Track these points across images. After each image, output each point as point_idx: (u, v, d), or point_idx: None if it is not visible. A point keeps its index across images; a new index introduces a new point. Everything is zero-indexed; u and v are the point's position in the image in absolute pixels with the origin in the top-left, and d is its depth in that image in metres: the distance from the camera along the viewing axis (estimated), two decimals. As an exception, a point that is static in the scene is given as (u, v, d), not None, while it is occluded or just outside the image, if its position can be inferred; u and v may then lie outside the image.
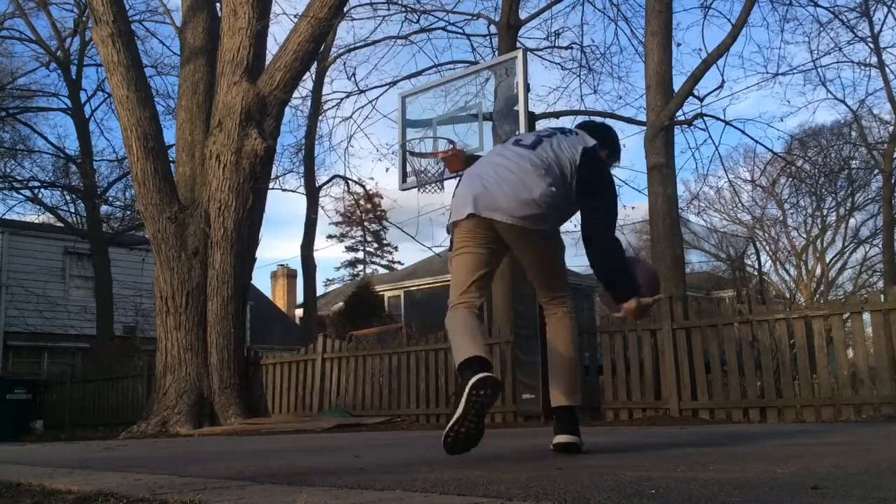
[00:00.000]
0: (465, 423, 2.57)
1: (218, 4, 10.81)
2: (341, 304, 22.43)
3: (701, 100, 10.55)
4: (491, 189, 2.84)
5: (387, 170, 32.94)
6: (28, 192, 19.85)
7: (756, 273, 25.92)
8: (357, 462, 2.94)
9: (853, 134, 21.66)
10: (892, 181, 18.50)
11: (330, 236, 39.51)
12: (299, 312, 27.15)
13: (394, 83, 14.70)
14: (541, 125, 12.44)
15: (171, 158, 10.43)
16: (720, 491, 1.63)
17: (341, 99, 19.74)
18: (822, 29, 13.43)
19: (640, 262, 3.19)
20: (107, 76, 9.68)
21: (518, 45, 12.32)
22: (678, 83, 9.39)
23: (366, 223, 32.93)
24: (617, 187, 3.06)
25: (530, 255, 3.03)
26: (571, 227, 4.94)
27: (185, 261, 9.41)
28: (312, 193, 18.82)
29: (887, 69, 16.80)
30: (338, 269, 49.02)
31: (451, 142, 6.85)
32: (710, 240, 28.84)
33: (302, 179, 19.19)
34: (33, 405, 13.25)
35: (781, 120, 32.65)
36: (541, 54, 14.37)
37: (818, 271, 27.89)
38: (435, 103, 7.55)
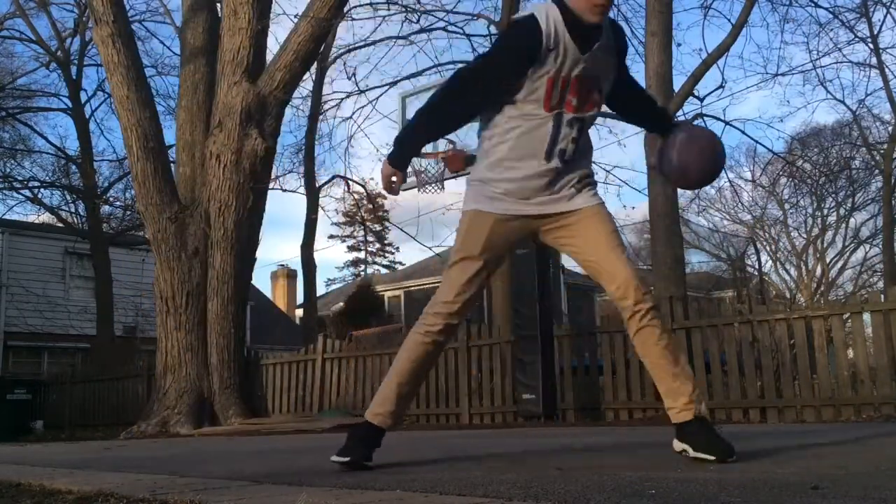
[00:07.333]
0: None
1: (218, 4, 10.80)
2: (342, 304, 22.42)
3: (701, 100, 10.60)
4: None
5: (387, 170, 32.82)
6: (28, 192, 19.87)
7: (756, 273, 25.93)
8: (357, 462, 2.93)
9: (853, 134, 21.67)
10: (892, 181, 18.51)
11: (332, 236, 39.46)
12: (299, 312, 27.13)
13: (394, 83, 14.67)
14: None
15: (171, 158, 10.42)
16: (720, 491, 1.63)
17: (341, 99, 19.68)
18: (821, 29, 13.46)
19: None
20: (107, 76, 9.68)
21: (518, 45, 12.30)
22: (678, 83, 9.41)
23: (367, 223, 32.93)
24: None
25: None
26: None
27: (185, 261, 9.40)
28: (313, 193, 18.81)
29: (886, 69, 16.83)
30: (340, 268, 49.04)
31: (451, 142, 6.86)
32: (711, 240, 28.89)
33: (302, 179, 19.18)
34: (33, 405, 13.24)
35: (781, 120, 32.76)
36: (541, 54, 14.37)
37: (818, 271, 27.92)
38: (435, 103, 7.51)
